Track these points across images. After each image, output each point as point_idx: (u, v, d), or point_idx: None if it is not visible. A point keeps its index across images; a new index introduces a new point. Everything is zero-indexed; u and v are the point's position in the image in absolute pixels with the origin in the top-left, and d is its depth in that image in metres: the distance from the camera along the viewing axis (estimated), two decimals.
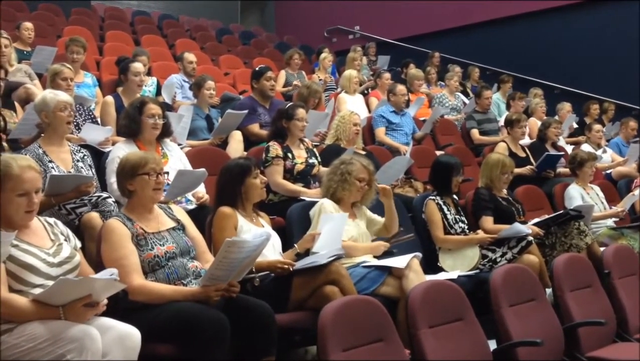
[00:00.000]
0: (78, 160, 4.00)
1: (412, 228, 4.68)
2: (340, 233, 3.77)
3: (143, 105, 4.25)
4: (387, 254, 4.01)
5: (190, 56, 7.51)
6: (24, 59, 6.76)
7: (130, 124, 4.26)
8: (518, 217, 5.07)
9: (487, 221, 4.90)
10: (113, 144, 4.54)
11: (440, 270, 4.49)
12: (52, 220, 2.84)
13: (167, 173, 3.33)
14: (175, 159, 4.35)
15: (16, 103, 5.09)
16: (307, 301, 3.41)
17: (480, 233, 4.67)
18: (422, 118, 7.75)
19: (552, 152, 6.67)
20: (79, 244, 2.87)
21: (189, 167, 4.44)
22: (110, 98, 5.39)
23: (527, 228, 4.63)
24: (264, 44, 12.63)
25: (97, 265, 2.99)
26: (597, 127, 7.75)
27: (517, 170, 6.02)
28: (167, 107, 5.89)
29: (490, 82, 10.02)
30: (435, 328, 3.08)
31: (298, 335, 3.50)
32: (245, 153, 5.41)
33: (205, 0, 14.76)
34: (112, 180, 3.96)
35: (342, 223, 3.82)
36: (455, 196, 4.95)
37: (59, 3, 10.75)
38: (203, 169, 4.19)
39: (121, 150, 4.06)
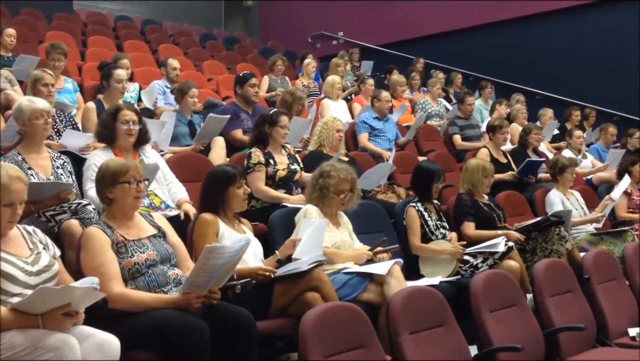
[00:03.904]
0: (58, 167, 3.97)
1: (394, 234, 4.69)
2: (320, 238, 3.77)
3: (117, 111, 4.23)
4: (369, 261, 4.02)
5: (174, 62, 7.47)
6: (5, 65, 6.71)
7: (104, 131, 4.25)
8: (499, 222, 5.10)
9: (469, 227, 4.94)
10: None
11: (422, 276, 4.50)
12: (30, 228, 2.82)
13: (148, 180, 3.32)
14: None
15: None
16: (288, 308, 3.41)
17: (455, 244, 4.63)
18: (405, 124, 7.78)
19: (534, 157, 6.72)
20: (58, 252, 2.84)
21: (169, 174, 4.43)
22: (91, 105, 5.37)
23: (502, 244, 4.59)
24: (248, 49, 12.62)
25: (77, 273, 2.97)
26: (578, 133, 7.82)
27: (499, 176, 6.08)
28: (148, 113, 5.88)
29: (473, 88, 10.08)
30: (416, 334, 3.08)
31: (279, 342, 3.49)
32: (228, 159, 5.41)
33: (190, 3, 14.74)
34: (88, 187, 3.94)
35: (322, 228, 3.81)
36: (437, 202, 4.97)
37: (41, 7, 10.67)
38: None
39: (98, 158, 4.02)
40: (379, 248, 4.10)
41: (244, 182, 3.70)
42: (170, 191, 4.36)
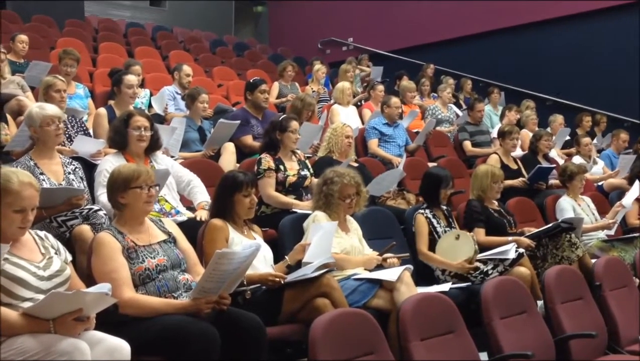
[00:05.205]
0: (69, 173, 4.00)
1: (404, 240, 4.68)
2: (330, 241, 3.77)
3: (129, 117, 4.25)
4: (378, 266, 4.02)
5: (188, 69, 7.52)
6: (17, 71, 6.76)
7: (116, 137, 4.27)
8: (510, 228, 5.09)
9: (479, 233, 4.93)
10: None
11: (432, 282, 4.48)
12: (42, 233, 2.83)
13: (158, 185, 3.33)
14: None
15: (8, 116, 5.08)
16: (298, 313, 3.41)
17: (462, 261, 4.49)
18: (414, 130, 7.78)
19: (544, 164, 6.69)
20: (69, 257, 2.86)
21: (187, 175, 4.45)
22: (103, 110, 5.39)
23: (512, 251, 4.52)
24: (258, 55, 12.66)
25: (88, 278, 2.99)
26: (586, 140, 7.78)
27: (509, 182, 6.06)
28: (158, 119, 5.90)
29: (483, 94, 10.07)
30: (427, 340, 3.08)
31: (289, 348, 3.49)
32: (238, 165, 5.42)
33: (200, 9, 14.80)
34: (100, 192, 3.96)
35: (332, 231, 3.82)
36: (447, 208, 4.95)
37: (53, 14, 10.74)
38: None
39: (109, 163, 4.04)
40: (389, 254, 4.10)
41: (252, 191, 3.68)
42: (192, 192, 4.39)
